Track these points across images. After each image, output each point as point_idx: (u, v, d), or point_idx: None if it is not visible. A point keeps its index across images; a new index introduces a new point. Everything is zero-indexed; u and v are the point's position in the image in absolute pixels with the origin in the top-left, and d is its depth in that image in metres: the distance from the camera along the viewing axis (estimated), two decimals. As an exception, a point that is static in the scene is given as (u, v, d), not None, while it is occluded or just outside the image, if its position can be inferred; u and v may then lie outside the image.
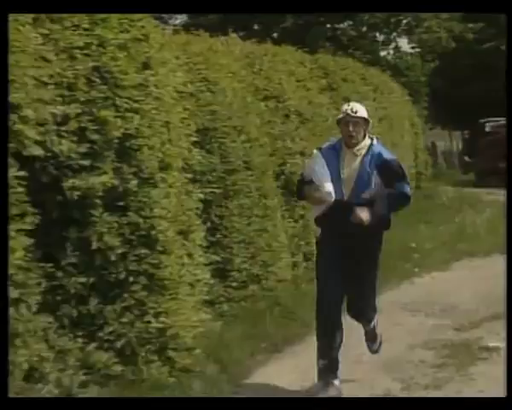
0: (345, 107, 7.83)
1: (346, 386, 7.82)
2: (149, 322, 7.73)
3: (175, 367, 7.92)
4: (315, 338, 7.94)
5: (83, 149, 7.31)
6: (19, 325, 6.15)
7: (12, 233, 6.15)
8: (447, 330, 10.03)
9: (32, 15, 6.73)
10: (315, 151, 8.02)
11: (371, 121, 7.91)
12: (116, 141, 7.64)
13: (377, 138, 8.02)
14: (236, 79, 11.56)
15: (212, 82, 10.69)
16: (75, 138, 7.24)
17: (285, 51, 15.26)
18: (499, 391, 6.65)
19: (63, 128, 7.11)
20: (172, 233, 8.29)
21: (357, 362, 8.60)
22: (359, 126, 7.71)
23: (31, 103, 6.45)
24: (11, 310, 6.09)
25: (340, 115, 7.84)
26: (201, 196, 9.78)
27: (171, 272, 8.08)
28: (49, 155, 6.96)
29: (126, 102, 7.69)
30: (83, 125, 7.32)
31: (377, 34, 34.10)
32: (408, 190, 7.89)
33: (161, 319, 7.81)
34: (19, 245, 6.27)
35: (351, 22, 32.11)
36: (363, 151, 7.75)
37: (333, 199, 7.63)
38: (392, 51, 35.63)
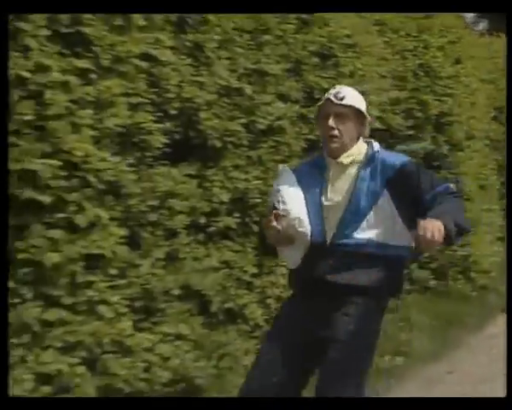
0: (329, 91, 3.55)
1: None
2: (455, 251, 7.99)
3: (475, 285, 8.12)
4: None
5: (409, 123, 7.74)
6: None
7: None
8: None
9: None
10: (280, 167, 3.76)
11: (369, 118, 3.57)
12: (433, 117, 7.98)
13: (377, 142, 3.58)
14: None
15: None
16: (404, 115, 7.69)
17: None
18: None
19: (396, 108, 7.58)
20: (475, 187, 8.51)
21: None
22: (346, 121, 3.45)
23: (374, 91, 6.93)
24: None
25: (319, 102, 3.59)
26: (497, 158, 9.84)
27: (472, 216, 8.30)
28: (384, 127, 7.43)
29: (442, 89, 8.00)
30: (410, 106, 7.75)
31: None
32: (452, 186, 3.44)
33: (466, 248, 8.04)
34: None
35: None
36: (357, 160, 3.49)
37: (305, 231, 3.40)
38: None
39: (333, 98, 3.45)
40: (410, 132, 7.75)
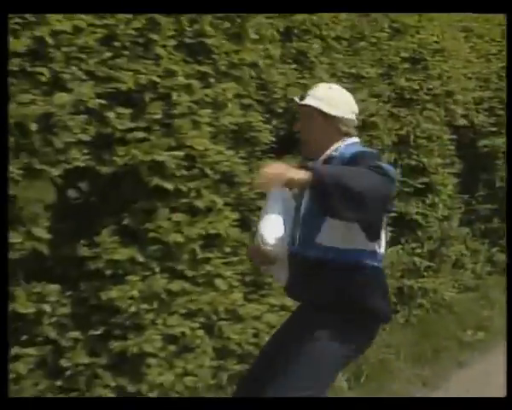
0: None
1: None
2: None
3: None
4: None
5: (492, 120, 7.57)
6: (449, 232, 6.60)
7: (445, 175, 6.61)
8: None
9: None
10: None
11: (335, 114, 2.85)
12: None
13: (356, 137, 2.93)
14: None
15: None
16: (487, 113, 7.56)
17: None
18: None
19: (479, 106, 7.45)
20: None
21: None
22: (311, 121, 2.87)
23: (460, 91, 6.84)
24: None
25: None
26: None
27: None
28: (469, 124, 7.32)
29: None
30: (492, 104, 7.60)
31: None
32: (388, 167, 2.64)
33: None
34: (449, 182, 6.72)
35: None
36: None
37: (269, 248, 2.73)
38: None
39: (297, 99, 2.95)
40: (493, 129, 7.61)
